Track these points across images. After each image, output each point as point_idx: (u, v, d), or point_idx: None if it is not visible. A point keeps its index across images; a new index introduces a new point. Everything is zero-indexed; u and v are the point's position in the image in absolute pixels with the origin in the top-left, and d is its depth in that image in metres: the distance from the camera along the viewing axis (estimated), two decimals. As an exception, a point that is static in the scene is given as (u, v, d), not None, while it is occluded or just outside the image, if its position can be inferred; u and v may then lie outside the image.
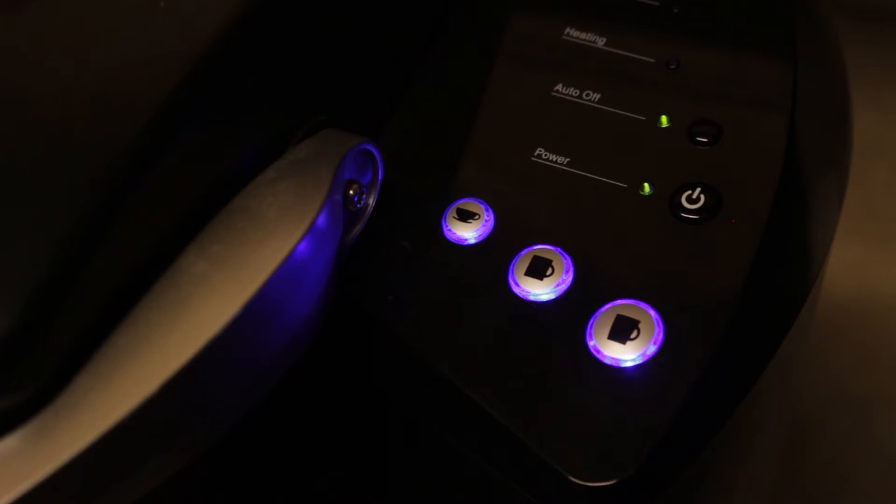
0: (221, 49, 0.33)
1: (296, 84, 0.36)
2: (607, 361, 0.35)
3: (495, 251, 0.37)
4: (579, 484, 0.33)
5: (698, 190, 0.37)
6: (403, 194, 0.39)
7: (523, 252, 0.37)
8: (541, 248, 0.37)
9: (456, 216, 0.38)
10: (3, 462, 0.29)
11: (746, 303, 0.36)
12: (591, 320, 0.35)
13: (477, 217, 0.38)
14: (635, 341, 0.35)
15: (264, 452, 0.43)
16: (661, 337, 0.35)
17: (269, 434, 0.41)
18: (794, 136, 0.39)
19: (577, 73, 0.41)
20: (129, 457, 0.30)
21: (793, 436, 0.78)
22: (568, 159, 0.39)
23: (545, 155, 0.39)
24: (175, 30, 0.33)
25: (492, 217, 0.38)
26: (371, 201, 0.38)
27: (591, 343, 0.35)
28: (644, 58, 0.41)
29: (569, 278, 0.36)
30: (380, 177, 0.38)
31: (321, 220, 0.33)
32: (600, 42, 0.41)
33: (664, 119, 0.39)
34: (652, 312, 0.35)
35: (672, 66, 0.41)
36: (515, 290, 0.36)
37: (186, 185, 0.32)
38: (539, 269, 0.36)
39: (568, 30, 0.42)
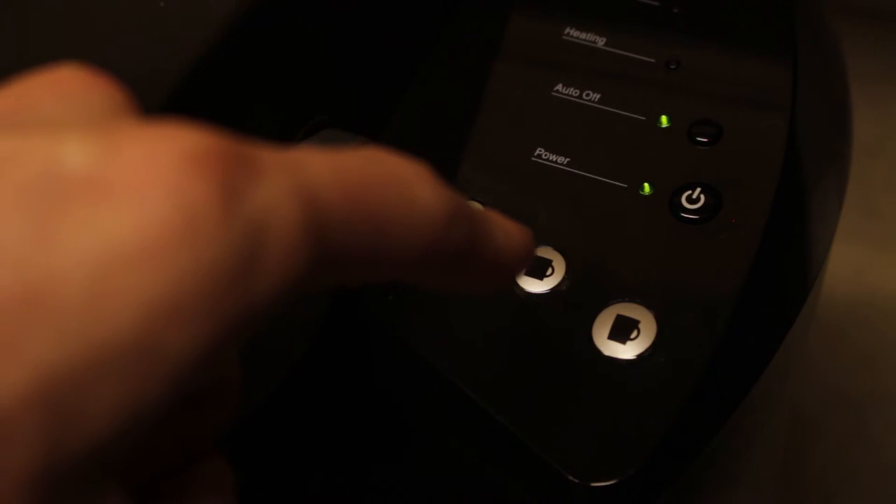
0: (220, 49, 0.33)
1: (296, 84, 0.36)
2: (607, 362, 0.35)
3: (495, 251, 0.37)
4: (579, 484, 0.33)
5: (698, 190, 0.37)
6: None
7: (523, 252, 0.37)
8: (541, 249, 0.37)
9: (456, 216, 0.38)
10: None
11: (746, 303, 0.36)
12: (591, 320, 0.35)
13: (477, 217, 0.38)
14: (635, 341, 0.35)
15: (263, 454, 0.43)
16: (661, 337, 0.35)
17: (267, 435, 0.41)
18: (794, 136, 0.39)
19: (577, 73, 0.41)
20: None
21: (793, 436, 0.78)
22: (568, 159, 0.39)
23: (545, 155, 0.39)
24: (174, 29, 0.33)
25: (492, 217, 0.38)
26: (371, 201, 0.37)
27: (590, 343, 0.35)
28: (644, 58, 0.41)
29: (569, 278, 0.36)
30: (380, 177, 0.37)
31: None
32: (600, 42, 0.41)
33: (664, 119, 0.39)
34: (652, 312, 0.35)
35: (672, 66, 0.41)
36: (515, 290, 0.36)
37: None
38: (539, 270, 0.36)
39: (568, 30, 0.42)
